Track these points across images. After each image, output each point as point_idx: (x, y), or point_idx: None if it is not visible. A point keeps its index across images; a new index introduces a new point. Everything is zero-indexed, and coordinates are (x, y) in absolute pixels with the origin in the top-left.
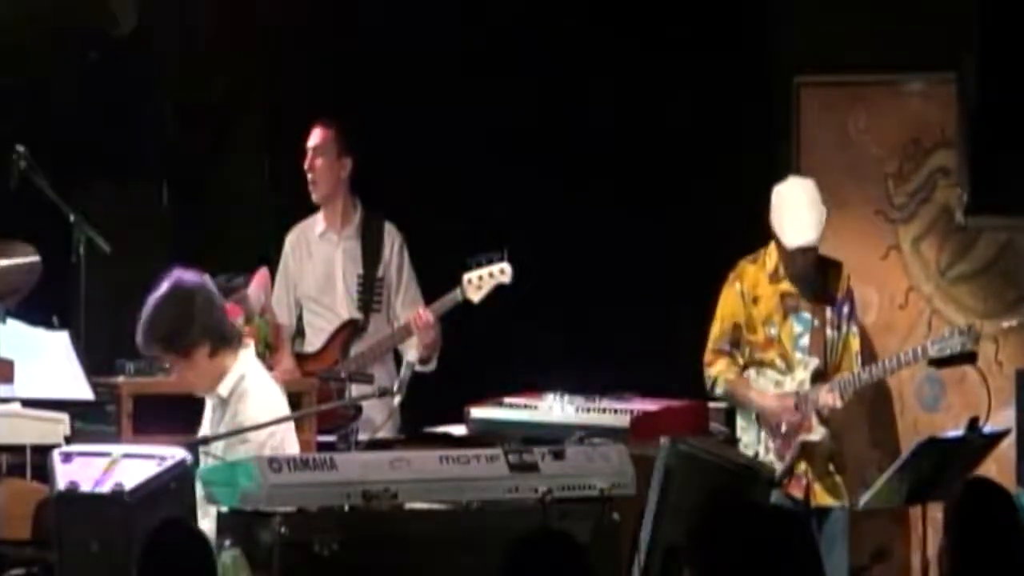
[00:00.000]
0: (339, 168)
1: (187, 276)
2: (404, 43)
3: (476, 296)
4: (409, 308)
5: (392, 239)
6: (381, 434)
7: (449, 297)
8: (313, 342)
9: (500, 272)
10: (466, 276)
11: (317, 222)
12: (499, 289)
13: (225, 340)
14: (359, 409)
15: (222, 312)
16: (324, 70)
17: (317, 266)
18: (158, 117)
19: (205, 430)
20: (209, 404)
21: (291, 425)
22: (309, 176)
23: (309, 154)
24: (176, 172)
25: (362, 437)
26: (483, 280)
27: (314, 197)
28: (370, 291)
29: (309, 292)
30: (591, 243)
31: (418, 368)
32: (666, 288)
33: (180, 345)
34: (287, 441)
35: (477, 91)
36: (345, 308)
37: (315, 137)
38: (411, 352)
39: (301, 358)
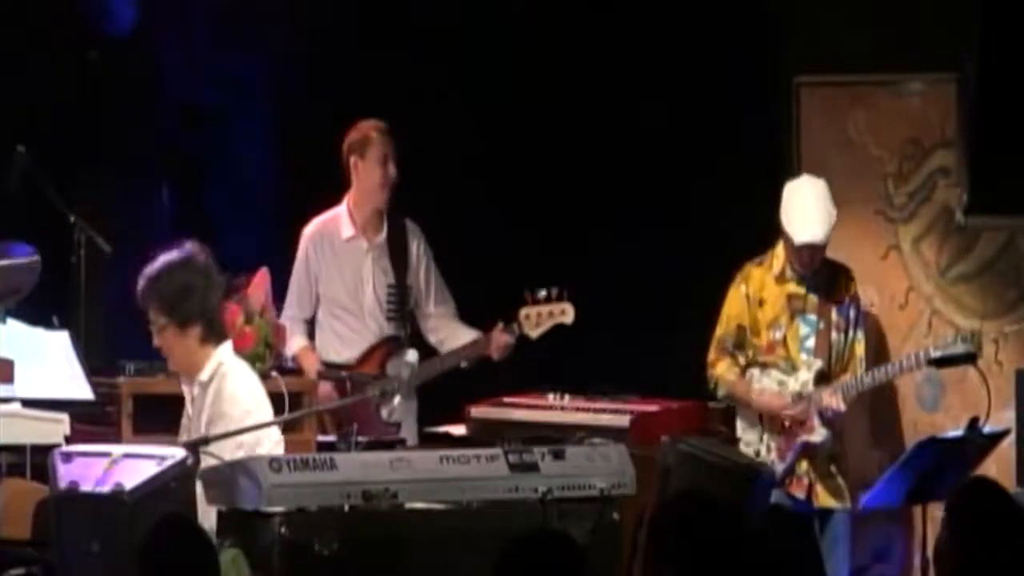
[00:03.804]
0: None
1: (202, 254)
2: (404, 42)
3: (535, 333)
4: (440, 305)
5: (416, 239)
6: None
7: (512, 327)
8: (337, 348)
9: (561, 312)
10: (523, 311)
11: (341, 223)
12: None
13: (217, 330)
14: (399, 426)
15: (220, 302)
16: (325, 70)
17: (344, 273)
18: (158, 117)
19: (184, 426)
20: (187, 395)
21: (268, 418)
22: (389, 183)
23: (391, 162)
24: (176, 172)
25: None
26: (542, 318)
27: (380, 205)
28: (403, 301)
29: (335, 298)
30: (591, 243)
31: (464, 365)
32: (666, 288)
33: (179, 314)
34: (266, 432)
35: (476, 92)
36: (374, 318)
37: (392, 145)
38: (411, 353)
39: (327, 366)
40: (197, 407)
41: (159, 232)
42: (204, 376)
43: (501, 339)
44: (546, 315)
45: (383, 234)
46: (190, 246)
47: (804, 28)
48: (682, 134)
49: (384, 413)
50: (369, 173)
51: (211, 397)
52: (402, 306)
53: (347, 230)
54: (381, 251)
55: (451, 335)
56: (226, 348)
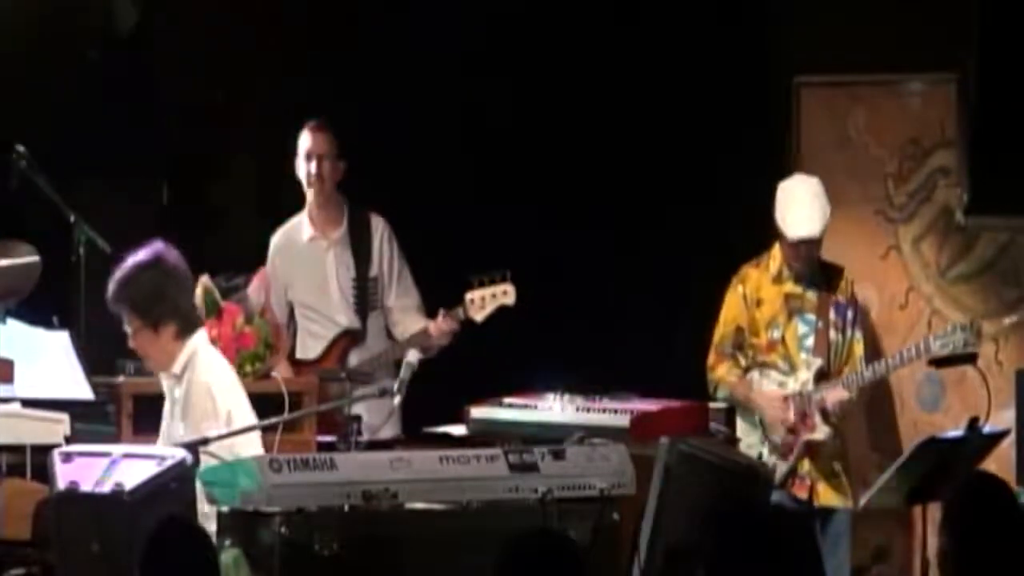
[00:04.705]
0: (338, 172)
1: (171, 253)
2: (402, 44)
3: (479, 316)
4: (403, 298)
5: (380, 232)
6: (381, 434)
7: (457, 311)
8: (313, 347)
9: (503, 293)
10: (468, 295)
11: (302, 226)
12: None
13: (191, 325)
14: (358, 418)
15: (192, 296)
16: (324, 70)
17: (308, 273)
18: (158, 117)
19: (165, 420)
20: (166, 389)
21: (242, 401)
22: (313, 180)
23: (314, 159)
24: (176, 172)
25: (362, 437)
26: (486, 300)
27: (315, 201)
28: (365, 293)
29: (303, 299)
30: (590, 243)
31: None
32: (666, 288)
33: (151, 316)
34: (238, 411)
35: (474, 92)
36: (342, 313)
37: (319, 141)
38: (411, 353)
39: (298, 364)
40: (174, 398)
41: (159, 232)
42: (176, 369)
43: (442, 326)
44: (489, 297)
45: (342, 228)
46: (158, 246)
47: (804, 28)
48: (682, 134)
49: (382, 416)
50: (331, 172)
51: (184, 387)
52: (366, 298)
53: (307, 232)
54: (342, 246)
55: (409, 328)
56: (199, 337)
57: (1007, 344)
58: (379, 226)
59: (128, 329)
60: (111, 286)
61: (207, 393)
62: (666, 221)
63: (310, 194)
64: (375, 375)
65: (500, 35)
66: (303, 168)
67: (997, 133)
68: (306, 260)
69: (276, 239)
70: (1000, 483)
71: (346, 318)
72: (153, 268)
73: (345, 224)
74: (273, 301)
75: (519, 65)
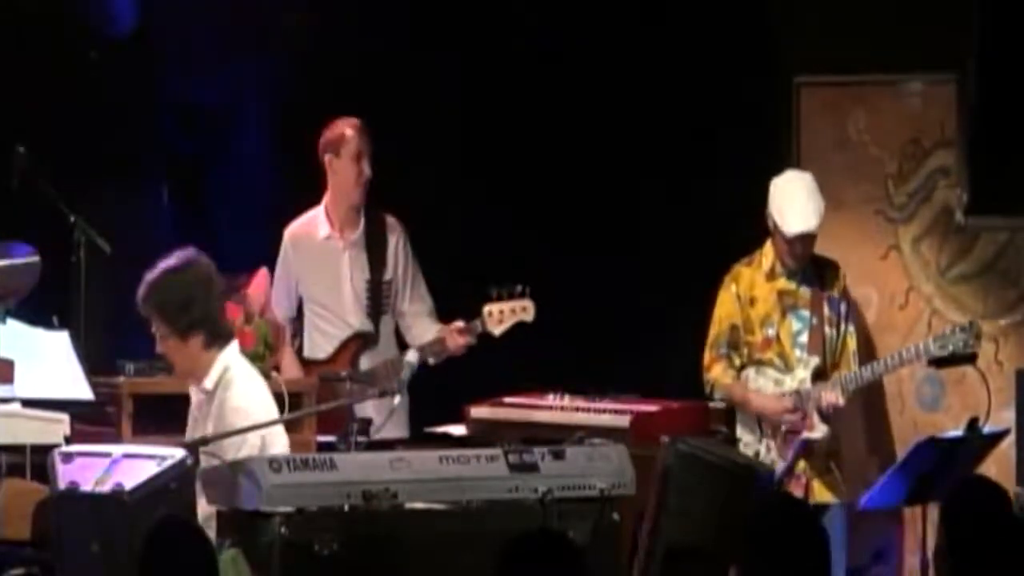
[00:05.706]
0: None
1: (203, 260)
2: (402, 44)
3: (497, 330)
4: (417, 303)
5: (396, 236)
6: (382, 434)
7: (475, 324)
8: (323, 346)
9: (522, 309)
10: (487, 308)
11: (319, 223)
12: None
13: (220, 334)
14: (369, 421)
15: (222, 306)
16: (324, 70)
17: (323, 272)
18: (158, 117)
19: (190, 427)
20: (194, 398)
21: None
22: (364, 181)
23: (365, 159)
24: (176, 172)
25: (362, 437)
26: (504, 315)
27: (352, 202)
28: (379, 296)
29: (315, 296)
30: (591, 243)
31: (431, 361)
32: (666, 288)
33: (179, 323)
34: (273, 438)
35: (476, 92)
36: (354, 314)
37: (367, 141)
38: (411, 353)
39: (308, 363)
40: (203, 414)
41: (159, 232)
42: (208, 384)
43: (459, 340)
44: (508, 312)
45: (359, 230)
46: (190, 252)
47: (804, 28)
48: (682, 134)
49: (382, 415)
50: (344, 170)
51: (216, 408)
52: (379, 300)
53: (323, 229)
54: (358, 248)
55: (421, 334)
56: (231, 351)
57: (1007, 344)
58: (395, 230)
59: (156, 334)
60: (140, 289)
61: (249, 424)
62: (666, 221)
63: (353, 194)
64: (381, 378)
65: (508, 39)
66: (350, 168)
67: (997, 133)
68: (321, 257)
69: (292, 230)
70: (995, 487)
71: (358, 320)
72: (184, 274)
73: (362, 226)
74: (283, 292)
75: (524, 70)
